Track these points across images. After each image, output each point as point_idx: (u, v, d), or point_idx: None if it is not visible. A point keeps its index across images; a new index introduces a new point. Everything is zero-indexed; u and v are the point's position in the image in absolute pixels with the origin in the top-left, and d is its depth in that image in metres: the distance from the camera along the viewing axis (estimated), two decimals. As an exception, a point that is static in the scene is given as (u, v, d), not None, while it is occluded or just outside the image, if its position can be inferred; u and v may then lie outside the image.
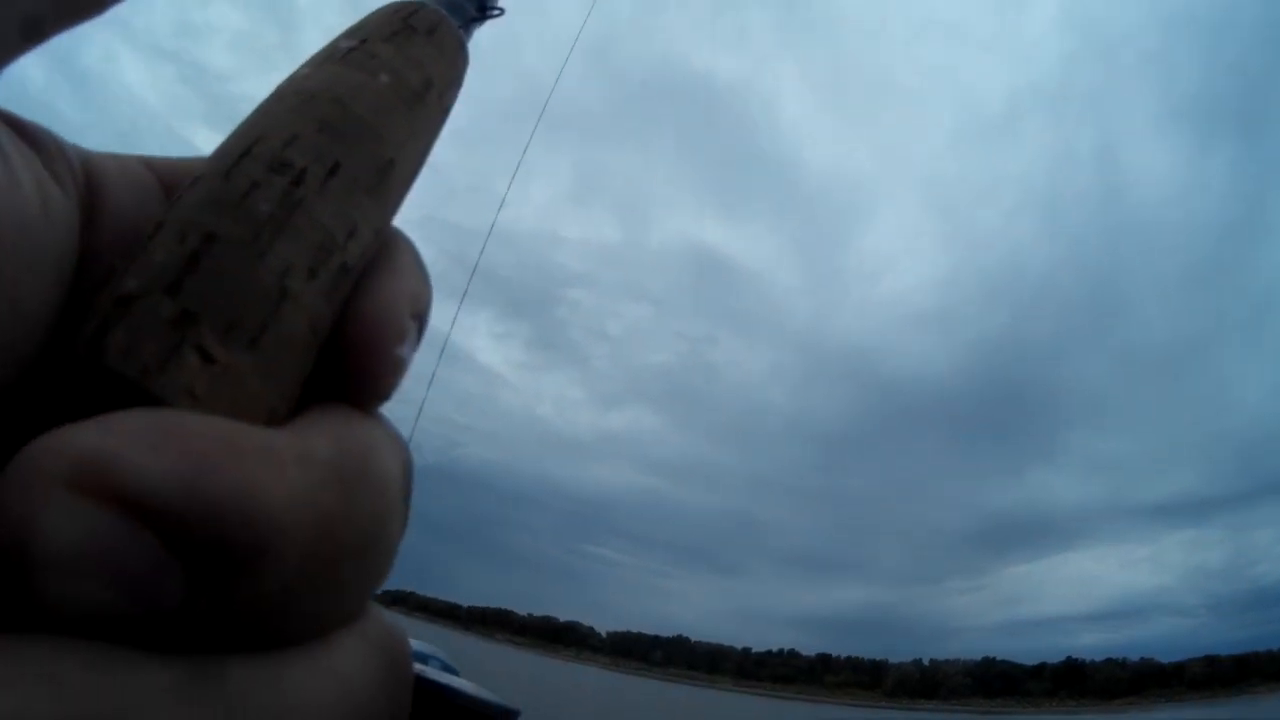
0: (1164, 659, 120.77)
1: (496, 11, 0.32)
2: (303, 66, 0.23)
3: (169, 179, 0.22)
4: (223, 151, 0.20)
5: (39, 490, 0.13)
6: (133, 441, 0.14)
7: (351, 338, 0.19)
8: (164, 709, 0.13)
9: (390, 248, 0.22)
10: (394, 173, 0.22)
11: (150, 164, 0.23)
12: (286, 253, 0.18)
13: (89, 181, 0.20)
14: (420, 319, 0.21)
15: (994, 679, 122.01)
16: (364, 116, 0.21)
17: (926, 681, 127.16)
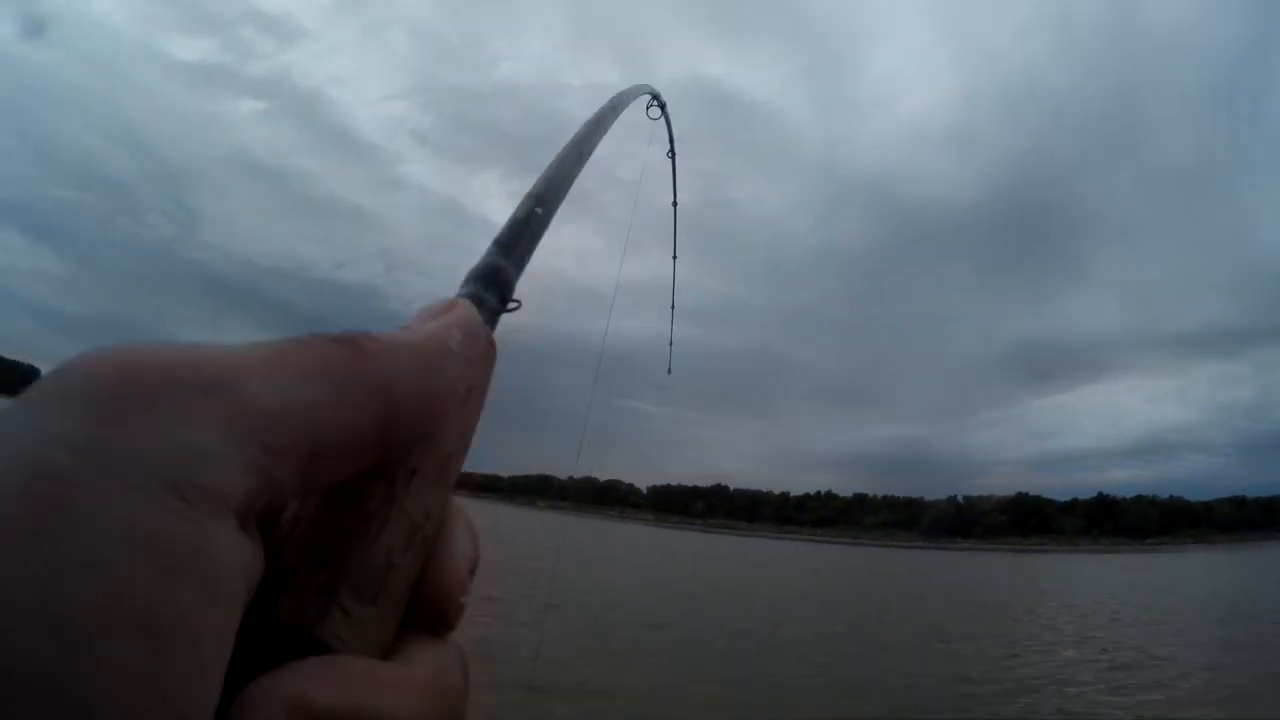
0: (1192, 498, 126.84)
1: (514, 305, 0.40)
2: None
3: None
4: None
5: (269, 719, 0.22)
6: (321, 682, 0.23)
7: (430, 592, 0.30)
8: None
9: (450, 518, 0.32)
10: (451, 464, 0.31)
11: None
12: (390, 537, 0.28)
13: None
14: (473, 570, 0.32)
15: (1028, 515, 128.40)
16: (429, 428, 0.30)
17: (962, 519, 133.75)
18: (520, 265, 0.42)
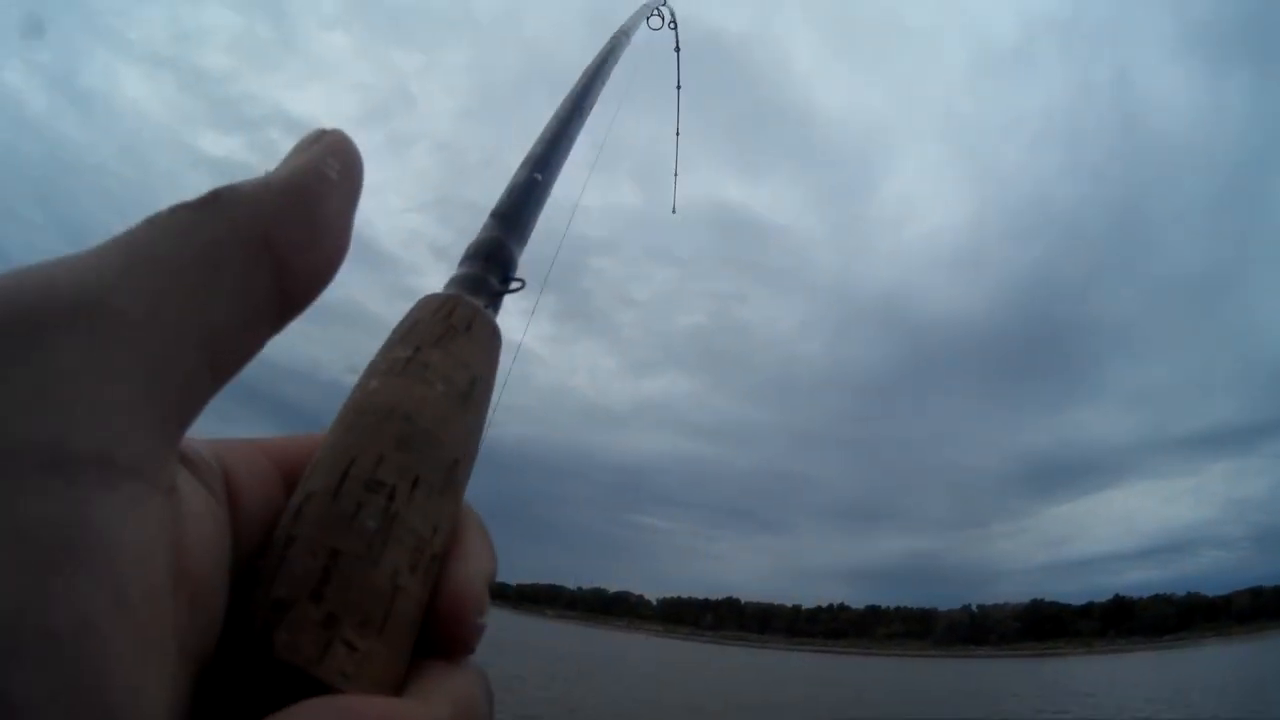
0: (1210, 593, 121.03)
1: (517, 285, 0.35)
2: (370, 376, 0.29)
3: (281, 461, 0.28)
4: (325, 468, 0.26)
5: None
6: None
7: (444, 614, 0.25)
8: None
9: (463, 529, 0.28)
10: (458, 469, 0.28)
11: (263, 449, 0.28)
12: (393, 558, 0.24)
13: (228, 482, 0.25)
14: (490, 584, 0.27)
15: (1043, 621, 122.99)
16: (430, 429, 0.27)
17: (976, 628, 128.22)
18: (522, 239, 0.38)
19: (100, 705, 0.16)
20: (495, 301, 0.34)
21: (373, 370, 0.29)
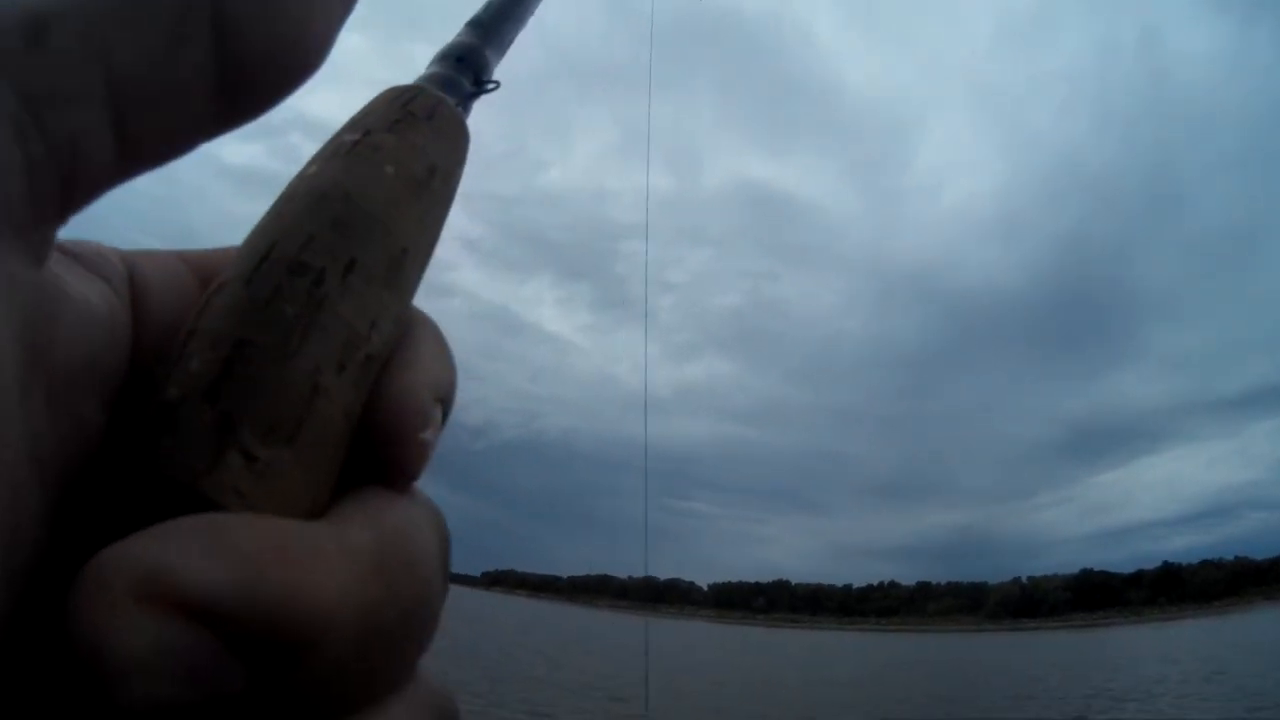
0: (1258, 556, 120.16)
1: (492, 85, 0.32)
2: (310, 163, 0.23)
3: (204, 272, 0.23)
4: (242, 256, 0.20)
5: (108, 604, 0.14)
6: (188, 550, 0.15)
7: (379, 425, 0.20)
8: None
9: (411, 334, 0.22)
10: (408, 261, 0.23)
11: (184, 258, 0.24)
12: (315, 351, 0.19)
13: (133, 285, 0.22)
14: (445, 401, 0.22)
15: (1093, 591, 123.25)
16: (373, 210, 0.22)
17: (1027, 600, 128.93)
18: (500, 48, 0.34)
19: None
20: (465, 103, 0.30)
21: (315, 158, 0.24)
